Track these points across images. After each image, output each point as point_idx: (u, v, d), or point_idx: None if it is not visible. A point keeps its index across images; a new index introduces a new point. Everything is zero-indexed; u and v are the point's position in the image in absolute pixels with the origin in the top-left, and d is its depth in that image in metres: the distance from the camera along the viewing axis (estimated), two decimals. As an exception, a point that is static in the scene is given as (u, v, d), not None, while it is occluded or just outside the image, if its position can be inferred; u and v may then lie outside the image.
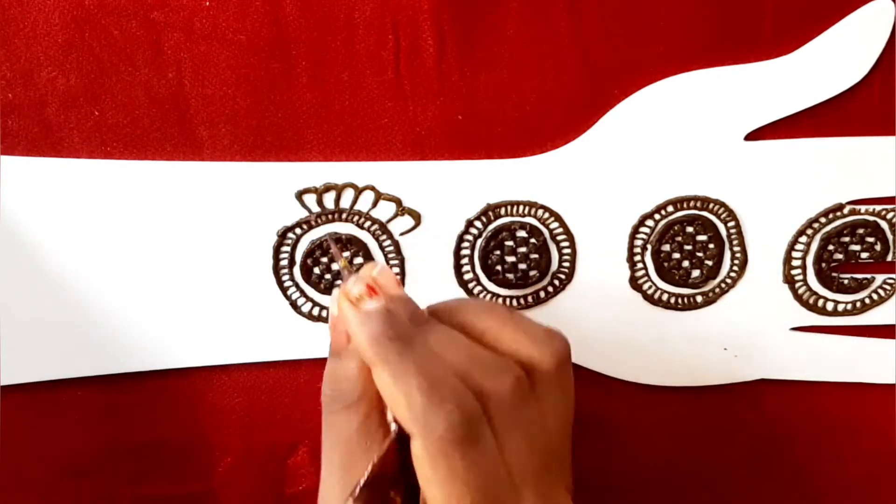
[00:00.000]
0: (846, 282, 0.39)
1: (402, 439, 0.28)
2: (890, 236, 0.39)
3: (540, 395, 0.29)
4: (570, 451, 0.32)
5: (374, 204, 0.37)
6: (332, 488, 0.30)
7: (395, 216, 0.37)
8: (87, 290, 0.37)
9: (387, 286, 0.29)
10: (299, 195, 0.36)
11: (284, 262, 0.37)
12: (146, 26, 0.34)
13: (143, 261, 0.37)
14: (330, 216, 0.37)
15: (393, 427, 0.28)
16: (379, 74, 0.36)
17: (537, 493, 0.29)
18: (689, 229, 0.38)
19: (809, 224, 0.38)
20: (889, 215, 0.38)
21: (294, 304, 0.38)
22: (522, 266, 0.38)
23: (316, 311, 0.38)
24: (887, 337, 0.40)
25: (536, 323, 0.31)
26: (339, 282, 0.38)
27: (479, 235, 0.38)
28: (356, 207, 0.37)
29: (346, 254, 0.36)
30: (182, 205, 0.36)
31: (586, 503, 0.42)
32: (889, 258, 0.39)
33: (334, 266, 0.37)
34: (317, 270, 0.37)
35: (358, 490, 0.28)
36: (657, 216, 0.38)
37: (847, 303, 0.39)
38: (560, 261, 0.38)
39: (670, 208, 0.38)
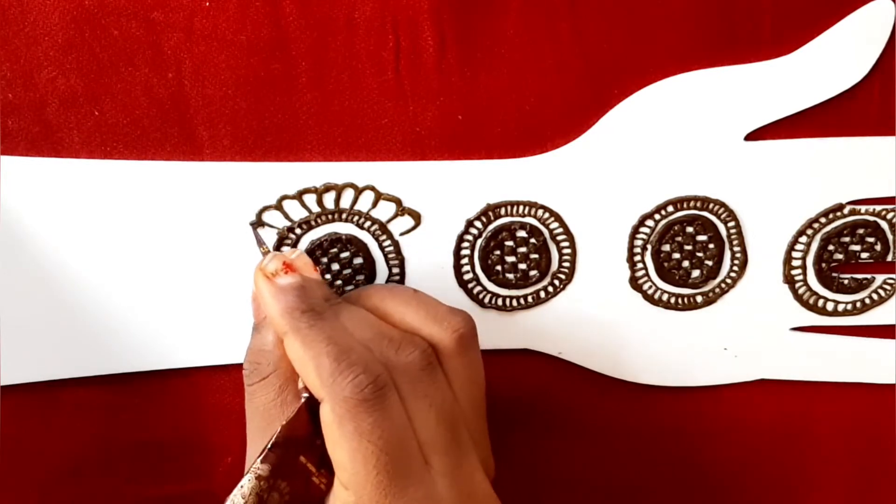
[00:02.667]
0: (846, 282, 0.39)
1: (315, 409, 0.29)
2: (890, 236, 0.39)
3: (446, 369, 0.31)
4: (485, 428, 0.33)
5: (374, 204, 0.37)
6: (252, 458, 0.31)
7: (395, 216, 0.37)
8: (87, 290, 0.37)
9: (303, 269, 0.32)
10: (299, 195, 0.36)
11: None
12: (146, 26, 0.34)
13: (143, 261, 0.37)
14: (330, 216, 0.37)
15: (304, 395, 0.30)
16: (379, 74, 0.36)
17: (446, 463, 0.30)
18: (690, 229, 0.38)
19: (809, 224, 0.38)
20: (889, 215, 0.38)
21: (294, 304, 0.38)
22: (522, 266, 0.38)
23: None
24: (887, 337, 0.40)
25: (439, 303, 0.33)
26: (338, 282, 0.38)
27: (479, 235, 0.38)
28: (356, 207, 0.37)
29: (268, 245, 0.37)
30: (182, 205, 0.36)
31: (586, 503, 0.42)
32: (889, 258, 0.39)
33: (334, 266, 0.37)
34: (317, 270, 0.37)
35: (265, 452, 0.29)
36: (657, 216, 0.38)
37: (847, 303, 0.39)
38: (560, 261, 0.38)
39: (670, 208, 0.38)
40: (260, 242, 0.36)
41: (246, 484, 0.29)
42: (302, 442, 0.30)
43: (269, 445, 0.29)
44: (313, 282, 0.32)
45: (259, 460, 0.29)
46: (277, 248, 0.37)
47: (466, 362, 0.32)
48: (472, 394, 0.32)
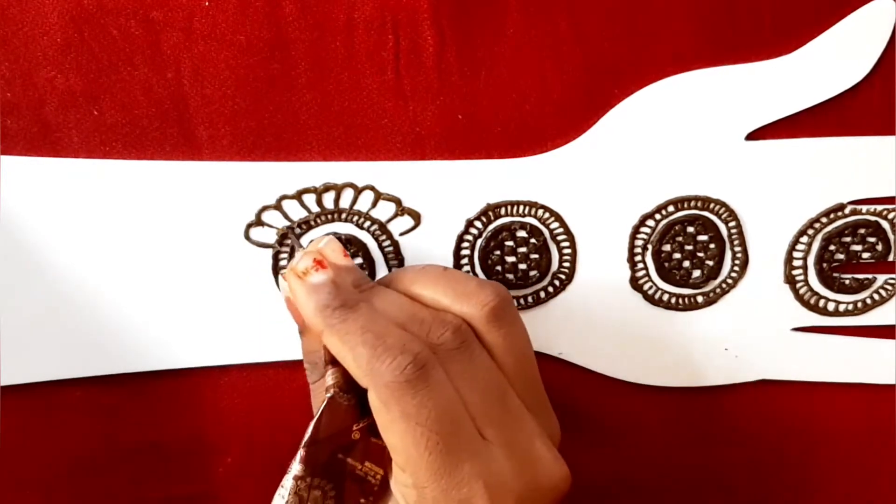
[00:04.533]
0: (847, 282, 0.39)
1: (342, 406, 0.30)
2: (891, 236, 0.38)
3: (485, 343, 0.31)
4: (543, 397, 0.33)
5: (374, 204, 0.37)
6: None
7: (395, 216, 0.37)
8: (86, 291, 0.37)
9: (333, 256, 0.31)
10: (298, 195, 0.36)
11: (284, 263, 0.37)
12: (145, 26, 0.34)
13: (143, 261, 0.37)
14: (329, 216, 0.37)
15: (328, 394, 0.30)
16: (379, 75, 0.36)
17: (500, 432, 0.30)
18: (690, 229, 0.38)
19: (810, 224, 0.38)
20: (890, 215, 0.38)
21: (294, 305, 0.38)
22: (522, 266, 0.38)
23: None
24: (888, 337, 0.40)
25: (469, 277, 0.32)
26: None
27: (479, 235, 0.38)
28: (356, 207, 0.37)
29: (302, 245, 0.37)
30: (181, 205, 0.36)
31: (586, 503, 0.42)
32: (890, 258, 0.39)
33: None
34: (316, 271, 0.37)
35: (298, 452, 0.29)
36: (658, 216, 0.38)
37: (848, 303, 0.39)
38: (560, 261, 0.38)
39: (671, 208, 0.38)
40: (298, 246, 0.35)
41: (287, 485, 0.29)
42: (335, 439, 0.30)
43: (301, 446, 0.29)
44: (343, 270, 0.31)
45: (294, 461, 0.29)
46: (279, 245, 0.37)
47: (504, 333, 0.31)
48: (517, 364, 0.32)
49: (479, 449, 0.29)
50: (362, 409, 0.31)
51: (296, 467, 0.29)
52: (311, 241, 0.33)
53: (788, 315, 0.40)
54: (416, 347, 0.29)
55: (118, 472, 0.39)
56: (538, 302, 0.39)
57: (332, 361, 0.31)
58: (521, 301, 0.39)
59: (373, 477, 0.31)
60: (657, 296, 0.39)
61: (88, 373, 0.37)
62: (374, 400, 0.29)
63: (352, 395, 0.30)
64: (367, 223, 0.37)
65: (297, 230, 0.36)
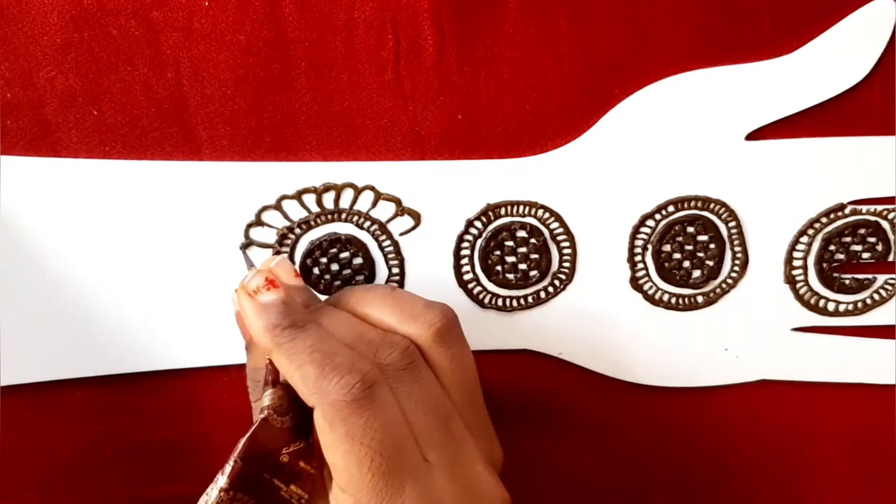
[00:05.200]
0: (847, 282, 0.39)
1: (274, 429, 0.30)
2: (891, 236, 0.38)
3: (431, 364, 0.31)
4: (486, 420, 0.33)
5: (374, 204, 0.37)
6: None
7: (395, 216, 0.37)
8: (86, 290, 0.37)
9: (284, 276, 0.31)
10: (298, 195, 0.36)
11: (284, 263, 0.37)
12: (145, 26, 0.34)
13: (143, 261, 0.36)
14: (329, 216, 0.37)
15: (262, 414, 0.30)
16: (378, 74, 0.36)
17: (443, 456, 0.30)
18: (690, 229, 0.38)
19: (811, 224, 0.38)
20: (890, 215, 0.38)
21: (294, 305, 0.38)
22: (522, 266, 0.38)
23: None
24: (887, 337, 0.40)
25: (416, 298, 0.32)
26: (338, 282, 0.38)
27: (479, 235, 0.38)
28: (356, 207, 0.37)
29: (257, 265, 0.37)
30: (181, 205, 0.36)
31: (586, 503, 0.42)
32: (890, 258, 0.39)
33: (333, 266, 0.37)
34: (316, 271, 0.37)
35: (227, 465, 0.29)
36: (658, 216, 0.38)
37: (848, 303, 0.39)
38: (560, 261, 0.38)
39: (671, 208, 0.38)
40: (250, 264, 0.35)
41: (211, 494, 0.29)
42: (264, 459, 0.30)
43: (230, 459, 0.29)
44: (294, 290, 0.31)
45: (221, 473, 0.29)
46: (278, 246, 0.37)
47: (449, 355, 0.31)
48: (463, 386, 0.32)
49: (421, 472, 0.29)
50: (297, 432, 0.31)
51: (222, 480, 0.29)
52: (266, 259, 0.33)
53: (788, 315, 0.40)
54: (365, 367, 0.29)
55: (118, 471, 0.39)
56: (538, 302, 0.39)
57: (272, 383, 0.31)
58: (522, 301, 0.39)
59: (297, 500, 0.31)
60: (657, 296, 0.39)
61: (88, 373, 0.37)
62: (319, 419, 0.28)
63: (286, 418, 0.31)
64: (367, 223, 0.37)
65: (249, 247, 0.37)
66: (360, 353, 0.30)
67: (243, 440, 0.30)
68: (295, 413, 0.31)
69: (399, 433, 0.29)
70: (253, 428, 0.30)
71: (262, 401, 0.31)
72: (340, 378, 0.28)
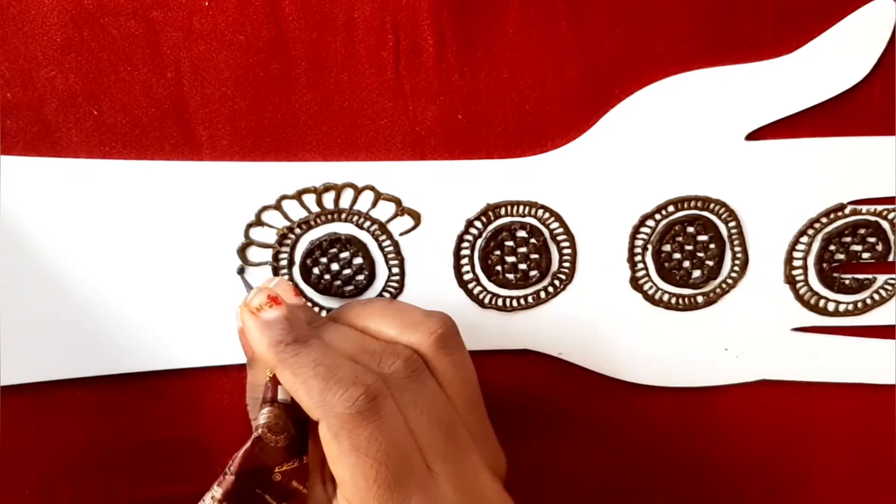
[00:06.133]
0: (847, 282, 0.39)
1: (267, 447, 0.30)
2: (891, 236, 0.38)
3: (433, 372, 0.31)
4: (487, 427, 0.33)
5: (374, 204, 0.37)
6: None
7: (395, 216, 0.37)
8: (86, 290, 0.37)
9: (285, 296, 0.32)
10: (298, 195, 0.36)
11: (284, 263, 0.37)
12: (145, 26, 0.34)
13: (143, 261, 0.37)
14: (329, 216, 0.37)
15: (256, 433, 0.30)
16: (378, 75, 0.36)
17: (447, 465, 0.30)
18: (690, 229, 0.38)
19: (811, 224, 0.38)
20: (890, 215, 0.38)
21: (294, 305, 0.38)
22: (522, 266, 0.38)
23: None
24: (888, 337, 0.40)
25: (414, 308, 0.33)
26: (337, 282, 0.38)
27: (479, 235, 0.38)
28: (356, 207, 0.37)
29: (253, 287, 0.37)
30: (181, 205, 0.36)
31: (586, 503, 0.42)
32: (890, 258, 0.39)
33: (333, 266, 0.37)
34: (316, 271, 0.37)
35: (221, 476, 0.30)
36: (658, 216, 0.38)
37: (848, 303, 0.39)
38: (560, 261, 0.38)
39: (671, 208, 0.38)
40: (248, 287, 0.36)
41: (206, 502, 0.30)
42: (257, 475, 0.30)
43: (226, 471, 0.30)
44: (296, 308, 0.32)
45: (217, 483, 0.30)
46: (278, 246, 0.37)
47: (451, 362, 0.32)
48: (465, 392, 0.32)
49: (426, 482, 0.29)
50: (291, 451, 0.31)
51: (217, 491, 0.30)
52: (265, 280, 0.33)
53: (788, 315, 0.40)
54: (369, 379, 0.29)
55: (118, 471, 0.39)
56: (538, 302, 0.39)
57: (270, 401, 0.31)
58: (522, 301, 0.39)
59: None
60: (657, 296, 0.39)
61: (88, 373, 0.37)
62: (324, 432, 0.29)
63: (281, 437, 0.31)
64: (367, 223, 0.37)
65: (245, 270, 0.37)
66: (364, 364, 0.30)
67: (239, 455, 0.30)
68: (290, 433, 0.31)
69: (404, 444, 0.29)
70: (248, 444, 0.30)
71: (258, 419, 0.31)
72: (345, 391, 0.28)
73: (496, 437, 0.33)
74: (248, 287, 0.36)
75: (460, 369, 0.32)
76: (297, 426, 0.31)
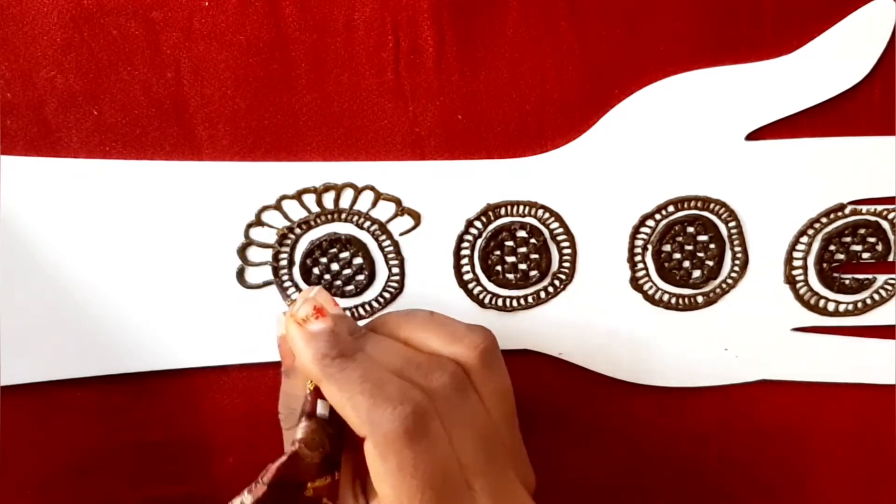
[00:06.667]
0: (847, 282, 0.39)
1: (302, 463, 0.30)
2: (891, 236, 0.38)
3: (476, 386, 0.31)
4: (520, 442, 0.33)
5: (374, 204, 0.37)
6: None
7: (395, 216, 0.37)
8: (86, 291, 0.37)
9: (326, 305, 0.31)
10: (298, 195, 0.36)
11: (284, 263, 0.37)
12: (145, 26, 0.34)
13: (143, 261, 0.37)
14: (329, 216, 0.37)
15: (293, 447, 0.30)
16: (378, 75, 0.36)
17: (487, 483, 0.30)
18: (690, 229, 0.38)
19: (811, 224, 0.38)
20: (890, 215, 0.38)
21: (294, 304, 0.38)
22: (522, 266, 0.38)
23: (315, 312, 0.38)
24: (888, 337, 0.40)
25: (456, 322, 0.32)
26: (338, 282, 0.38)
27: (479, 235, 0.38)
28: (356, 207, 0.37)
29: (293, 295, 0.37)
30: (181, 205, 0.36)
31: (586, 503, 0.42)
32: (890, 258, 0.39)
33: (333, 266, 0.37)
34: (316, 271, 0.37)
35: (254, 484, 0.29)
36: (658, 216, 0.38)
37: (848, 303, 0.39)
38: (560, 261, 0.38)
39: (671, 208, 0.38)
40: (282, 292, 0.36)
41: None
42: (289, 488, 0.30)
43: (259, 480, 0.29)
44: (339, 319, 0.31)
45: (246, 491, 0.29)
46: (278, 246, 0.37)
47: (492, 375, 0.32)
48: (503, 407, 0.32)
49: (466, 501, 0.29)
50: (325, 468, 0.31)
51: (247, 497, 0.29)
52: (303, 290, 0.33)
53: (788, 315, 0.40)
54: (416, 397, 0.29)
55: (118, 472, 0.39)
56: (538, 302, 0.39)
57: (308, 415, 0.31)
58: (522, 301, 0.39)
59: None
60: (657, 296, 0.39)
61: (88, 373, 0.37)
62: (370, 450, 0.28)
63: (316, 453, 0.30)
64: (367, 223, 0.37)
65: (284, 281, 0.37)
66: (409, 378, 0.30)
67: (274, 466, 0.30)
68: (324, 448, 0.31)
69: (448, 464, 0.29)
70: (284, 457, 0.30)
71: (296, 432, 0.31)
72: (394, 409, 0.28)
73: (526, 453, 0.33)
74: (283, 292, 0.36)
75: (500, 383, 0.32)
76: (330, 441, 0.31)
